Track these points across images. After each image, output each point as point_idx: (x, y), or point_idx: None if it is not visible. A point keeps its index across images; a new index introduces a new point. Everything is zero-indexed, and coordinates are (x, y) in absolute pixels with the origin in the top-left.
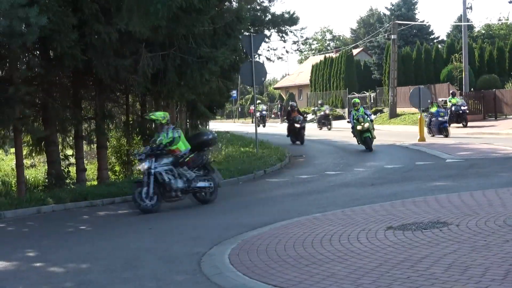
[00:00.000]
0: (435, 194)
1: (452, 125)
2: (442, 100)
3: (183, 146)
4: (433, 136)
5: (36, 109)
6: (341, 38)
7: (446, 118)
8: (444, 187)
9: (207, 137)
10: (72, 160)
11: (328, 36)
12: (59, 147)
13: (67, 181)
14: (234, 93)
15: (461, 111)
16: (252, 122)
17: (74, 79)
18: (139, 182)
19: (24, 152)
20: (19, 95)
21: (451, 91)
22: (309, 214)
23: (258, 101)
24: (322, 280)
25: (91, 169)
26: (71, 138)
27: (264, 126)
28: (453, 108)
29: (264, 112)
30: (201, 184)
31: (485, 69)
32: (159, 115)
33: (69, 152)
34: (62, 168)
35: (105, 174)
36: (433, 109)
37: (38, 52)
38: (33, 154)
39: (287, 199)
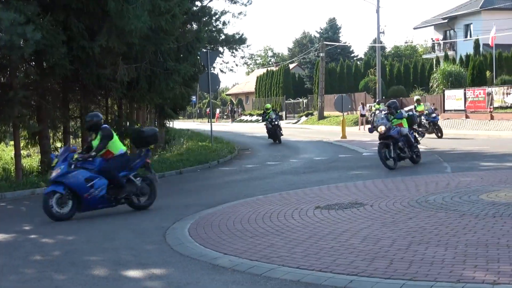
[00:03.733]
0: (354, 181)
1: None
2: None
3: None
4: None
5: (31, 109)
6: (280, 55)
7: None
8: (361, 175)
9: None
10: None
11: (270, 53)
12: (50, 140)
13: None
14: (193, 98)
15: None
16: (208, 122)
17: (63, 85)
18: None
19: (22, 144)
20: (18, 98)
21: (377, 99)
22: (253, 196)
23: (269, 108)
24: (263, 249)
25: None
26: (60, 133)
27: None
28: (376, 113)
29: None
30: None
31: (394, 81)
32: None
33: (59, 144)
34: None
35: None
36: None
37: (34, 62)
38: (29, 146)
39: (235, 184)
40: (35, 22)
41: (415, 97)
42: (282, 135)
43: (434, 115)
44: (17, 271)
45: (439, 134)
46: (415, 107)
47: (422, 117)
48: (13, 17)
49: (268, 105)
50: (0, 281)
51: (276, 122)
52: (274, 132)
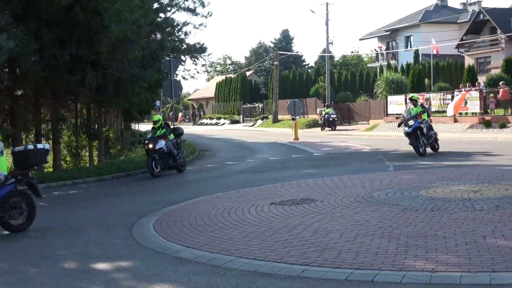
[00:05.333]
0: (305, 178)
1: (325, 128)
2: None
3: None
4: (323, 129)
5: (5, 113)
6: (238, 63)
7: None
8: (312, 174)
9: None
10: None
11: (228, 61)
12: (23, 142)
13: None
14: (157, 102)
15: (331, 119)
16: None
17: (35, 90)
18: None
19: None
20: None
21: (326, 103)
22: (213, 193)
23: (325, 108)
24: (223, 242)
25: (49, 159)
26: (32, 135)
27: (334, 129)
28: (326, 116)
29: (333, 116)
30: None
31: (342, 88)
32: None
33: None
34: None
35: (58, 163)
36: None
37: (7, 69)
38: None
39: (197, 182)
40: (8, 31)
41: (326, 103)
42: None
43: (334, 116)
44: None
45: (333, 128)
46: (324, 110)
47: (325, 116)
48: None
49: (157, 117)
50: None
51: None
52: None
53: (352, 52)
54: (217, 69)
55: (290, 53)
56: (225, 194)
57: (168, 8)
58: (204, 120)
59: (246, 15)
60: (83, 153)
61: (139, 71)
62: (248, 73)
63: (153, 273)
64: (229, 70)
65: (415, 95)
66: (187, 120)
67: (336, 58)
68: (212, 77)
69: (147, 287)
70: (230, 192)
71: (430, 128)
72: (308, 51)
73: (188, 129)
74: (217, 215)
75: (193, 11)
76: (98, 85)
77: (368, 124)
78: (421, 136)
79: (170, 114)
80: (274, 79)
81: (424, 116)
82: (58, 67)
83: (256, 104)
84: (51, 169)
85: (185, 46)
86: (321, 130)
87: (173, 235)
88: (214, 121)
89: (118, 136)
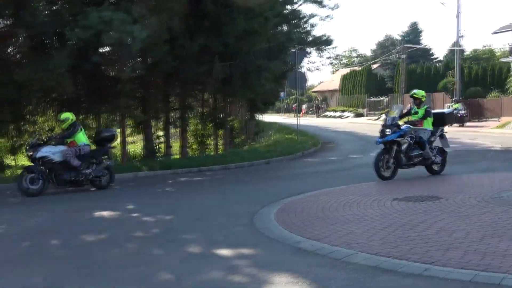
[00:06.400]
0: (429, 175)
1: (453, 124)
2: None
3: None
4: (451, 125)
5: (137, 101)
6: (363, 56)
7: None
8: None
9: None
10: (162, 139)
11: (354, 54)
12: (153, 129)
13: (158, 154)
14: (282, 94)
15: (459, 115)
16: (295, 116)
17: (165, 80)
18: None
19: (127, 132)
20: (125, 90)
21: (454, 99)
22: (335, 186)
23: (453, 103)
24: (343, 236)
25: (175, 147)
26: (161, 123)
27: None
28: (454, 112)
29: (461, 112)
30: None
31: (472, 83)
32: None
33: (160, 133)
34: (154, 145)
35: (185, 151)
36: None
37: (140, 58)
38: (134, 134)
39: (318, 175)
40: (141, 22)
41: (454, 98)
42: None
43: (463, 112)
44: (120, 245)
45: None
46: (452, 105)
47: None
48: (122, 17)
49: (65, 115)
50: (105, 252)
51: None
52: None
53: (483, 46)
54: (342, 61)
55: (418, 46)
56: (348, 187)
57: (295, 0)
58: (327, 113)
59: (373, 7)
60: (208, 141)
61: (265, 62)
62: (373, 66)
63: (273, 262)
64: (354, 63)
65: (419, 91)
66: (310, 112)
67: (467, 52)
68: (337, 70)
69: (267, 276)
70: (353, 185)
71: (422, 145)
72: (437, 44)
73: (312, 121)
74: (338, 208)
75: (319, 3)
76: (224, 75)
77: (499, 121)
78: (398, 153)
79: (294, 105)
80: (400, 73)
81: (427, 124)
82: (187, 58)
83: (381, 98)
84: (178, 156)
85: (311, 38)
86: (449, 126)
87: (293, 225)
88: (337, 113)
89: (242, 126)
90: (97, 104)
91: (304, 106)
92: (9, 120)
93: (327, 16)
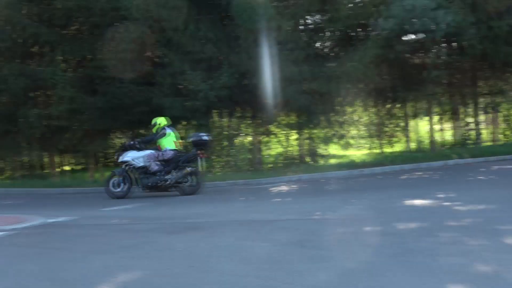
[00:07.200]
0: None
1: None
2: None
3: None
4: None
5: (442, 87)
6: None
7: None
8: None
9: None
10: (472, 126)
11: None
12: (461, 116)
13: (468, 142)
14: None
15: None
16: None
17: (471, 64)
18: None
19: (434, 120)
20: (431, 77)
21: None
22: None
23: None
24: None
25: (486, 133)
26: (470, 109)
27: None
28: None
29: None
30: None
31: None
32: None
33: (469, 119)
34: (464, 132)
35: (496, 137)
36: None
37: (444, 44)
38: (442, 121)
39: None
40: (444, 6)
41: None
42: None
43: None
44: (433, 234)
45: None
46: None
47: None
48: (425, 4)
49: (157, 119)
50: (418, 241)
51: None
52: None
53: None
54: None
55: None
56: None
57: None
58: None
59: None
60: None
61: None
62: None
63: None
64: None
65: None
66: None
67: None
68: None
69: None
70: None
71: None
72: None
73: None
74: None
75: None
76: None
77: None
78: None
79: None
80: None
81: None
82: (495, 39)
83: None
84: (489, 143)
85: None
86: None
87: None
88: None
89: None
90: (403, 93)
91: None
92: (321, 111)
93: None
